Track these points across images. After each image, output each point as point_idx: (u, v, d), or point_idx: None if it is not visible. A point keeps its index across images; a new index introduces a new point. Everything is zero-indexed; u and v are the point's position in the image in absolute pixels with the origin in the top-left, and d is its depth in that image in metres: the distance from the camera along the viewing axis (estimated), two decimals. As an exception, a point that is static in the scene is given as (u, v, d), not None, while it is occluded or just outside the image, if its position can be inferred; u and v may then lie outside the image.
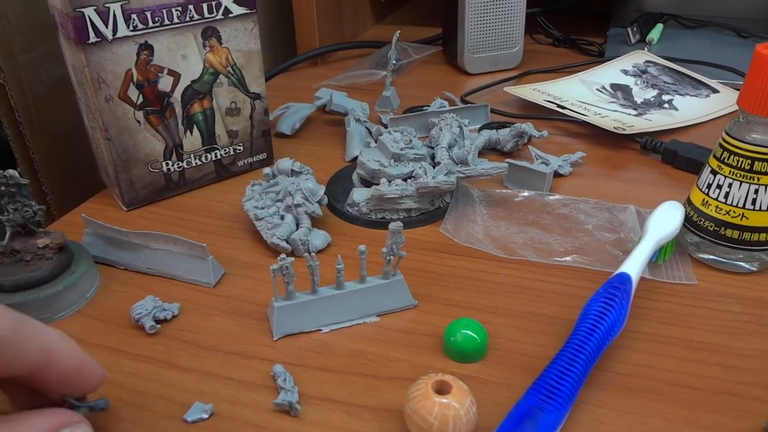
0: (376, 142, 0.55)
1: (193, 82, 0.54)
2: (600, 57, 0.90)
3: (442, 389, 0.32)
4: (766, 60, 0.41)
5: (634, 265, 0.41)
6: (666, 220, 0.46)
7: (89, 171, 0.66)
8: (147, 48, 0.51)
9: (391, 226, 0.40)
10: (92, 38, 0.48)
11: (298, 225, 0.49)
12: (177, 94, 0.54)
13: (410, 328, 0.41)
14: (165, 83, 0.53)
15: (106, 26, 0.48)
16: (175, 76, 0.53)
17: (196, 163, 0.57)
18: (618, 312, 0.38)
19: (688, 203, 0.48)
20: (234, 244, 0.51)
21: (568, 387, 0.33)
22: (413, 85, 0.83)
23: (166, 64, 0.52)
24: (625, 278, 0.40)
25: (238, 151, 0.60)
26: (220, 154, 0.59)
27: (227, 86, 0.56)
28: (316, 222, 0.51)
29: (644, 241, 0.43)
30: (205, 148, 0.57)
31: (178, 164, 0.56)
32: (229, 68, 0.56)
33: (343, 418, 0.35)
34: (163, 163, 0.56)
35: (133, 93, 0.52)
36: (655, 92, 0.77)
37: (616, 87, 0.78)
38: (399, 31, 0.72)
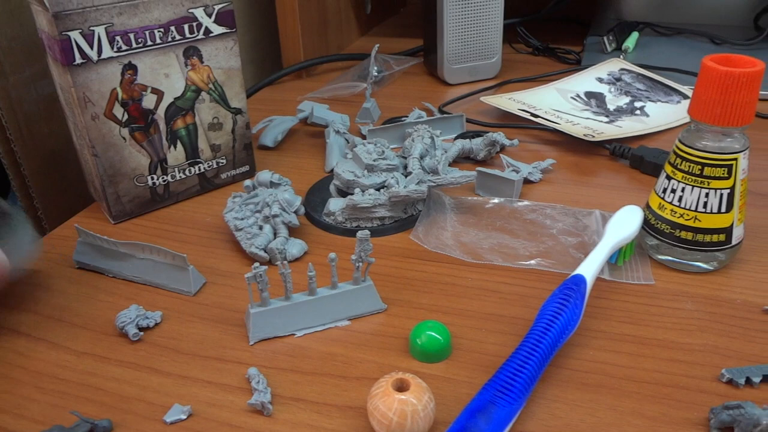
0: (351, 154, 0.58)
1: (176, 99, 0.57)
2: (577, 65, 0.92)
3: (401, 387, 0.35)
4: (712, 72, 0.43)
5: (589, 267, 0.43)
6: (624, 223, 0.48)
7: (79, 185, 0.69)
8: (131, 68, 0.53)
9: (359, 234, 0.42)
10: (78, 60, 0.50)
11: (275, 234, 0.52)
12: (161, 111, 0.56)
13: (378, 331, 0.44)
14: (149, 101, 0.55)
15: (92, 48, 0.51)
16: (159, 94, 0.56)
17: (180, 176, 0.60)
18: (572, 311, 0.40)
19: (647, 207, 0.50)
20: (215, 254, 0.53)
21: (522, 383, 0.36)
22: (394, 96, 0.85)
23: (150, 83, 0.55)
24: (579, 279, 0.42)
25: (221, 164, 0.62)
26: (204, 168, 0.61)
27: (209, 102, 0.59)
28: (293, 231, 0.54)
29: (601, 244, 0.46)
30: (188, 162, 0.60)
31: (163, 178, 0.59)
32: (211, 85, 0.58)
33: (313, 417, 0.37)
34: (149, 177, 0.58)
35: (118, 111, 0.54)
36: (627, 99, 0.79)
37: (590, 95, 0.81)
38: (378, 45, 0.74)
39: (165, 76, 0.55)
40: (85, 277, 0.51)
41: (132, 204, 0.58)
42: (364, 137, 0.68)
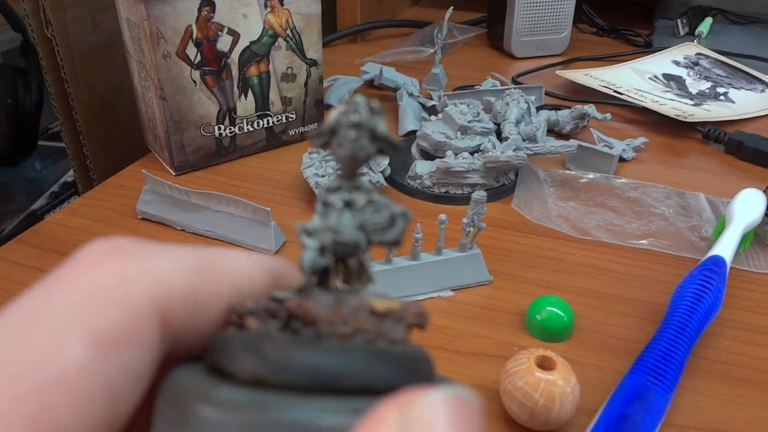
0: (438, 114, 0.53)
1: (251, 43, 0.52)
2: (647, 48, 0.87)
3: (544, 365, 0.30)
4: None
5: (726, 249, 0.39)
6: (749, 207, 0.44)
7: (129, 136, 0.64)
8: (209, 4, 0.48)
9: (474, 195, 0.38)
10: (154, -11, 0.46)
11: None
12: (235, 55, 0.52)
13: (487, 304, 0.39)
14: (224, 43, 0.51)
15: (169, -22, 0.46)
16: (235, 35, 0.51)
17: (248, 129, 0.55)
18: (715, 294, 0.36)
19: (770, 190, 0.46)
20: (290, 211, 0.49)
21: (674, 368, 0.31)
22: (458, 65, 0.80)
23: (227, 23, 0.50)
24: (720, 261, 0.38)
25: (290, 119, 0.58)
26: (273, 122, 0.57)
27: (285, 50, 0.54)
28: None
29: (732, 226, 0.41)
30: (258, 114, 0.55)
31: (230, 129, 0.54)
32: (289, 31, 0.54)
33: (428, 393, 0.33)
34: (216, 127, 0.53)
35: (192, 51, 0.49)
36: (708, 84, 0.75)
37: (668, 77, 0.76)
38: (452, 8, 0.69)
39: (243, 17, 0.51)
40: (149, 228, 0.46)
41: (196, 155, 0.53)
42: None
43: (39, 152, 0.87)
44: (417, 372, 0.12)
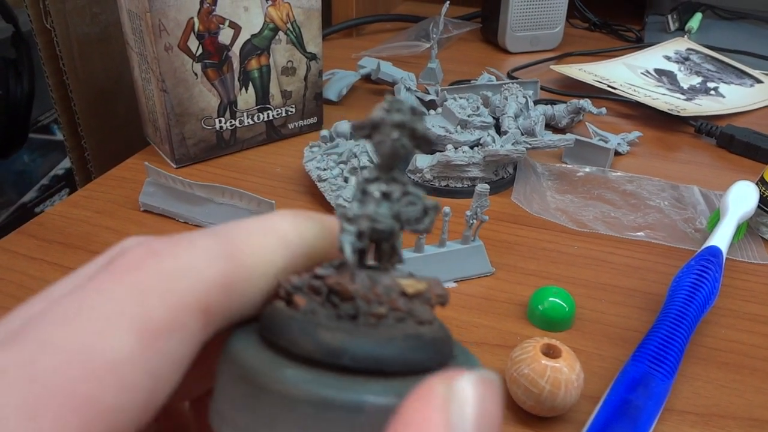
0: (437, 109, 0.54)
1: (252, 36, 0.52)
2: (638, 43, 0.89)
3: (549, 353, 0.31)
4: None
5: (722, 240, 0.40)
6: (743, 199, 0.45)
7: (127, 129, 0.64)
8: (211, -4, 0.49)
9: (478, 188, 0.38)
10: (157, -18, 0.46)
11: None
12: (236, 48, 0.52)
13: (489, 295, 0.40)
14: (225, 35, 0.51)
15: (171, -29, 0.46)
16: (236, 28, 0.51)
17: (248, 122, 0.55)
18: (712, 284, 0.37)
19: (762, 183, 0.47)
20: (292, 204, 0.49)
21: (674, 355, 0.32)
22: (453, 60, 0.81)
23: (228, 15, 0.50)
24: (716, 252, 0.39)
25: (290, 113, 0.58)
26: (273, 115, 0.57)
27: (285, 44, 0.54)
28: (379, 186, 0.50)
29: (728, 218, 0.42)
30: (258, 107, 0.55)
31: (230, 122, 0.54)
32: (289, 25, 0.54)
33: (435, 381, 0.34)
34: (217, 120, 0.54)
35: (193, 43, 0.49)
36: (699, 79, 0.76)
37: (660, 72, 0.77)
38: (448, 3, 0.70)
39: (244, 10, 0.51)
40: (151, 221, 0.47)
41: (197, 148, 0.54)
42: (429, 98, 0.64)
43: (27, 145, 0.87)
44: (443, 353, 0.14)
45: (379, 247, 0.15)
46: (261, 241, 0.15)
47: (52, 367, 0.11)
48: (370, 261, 0.15)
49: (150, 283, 0.13)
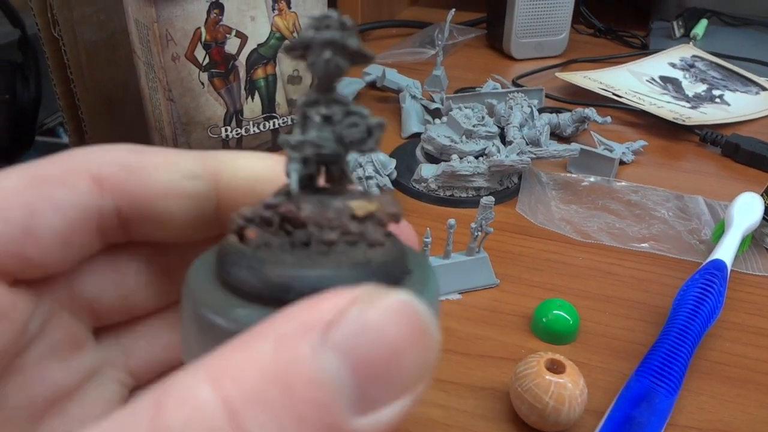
0: (442, 117, 0.54)
1: (259, 45, 0.52)
2: (643, 50, 0.88)
3: (553, 368, 0.31)
4: None
5: (727, 253, 0.40)
6: (748, 211, 0.45)
7: (135, 135, 0.64)
8: (218, 7, 0.49)
9: (483, 200, 0.38)
10: (164, -7, 0.46)
11: (367, 198, 0.48)
12: (242, 58, 0.52)
13: (494, 307, 0.40)
14: (232, 45, 0.51)
15: (178, -19, 0.46)
16: (243, 38, 0.51)
17: (254, 130, 0.56)
18: (716, 298, 0.37)
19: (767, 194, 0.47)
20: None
21: (678, 370, 0.32)
22: (458, 66, 0.81)
23: (235, 25, 0.50)
24: (721, 265, 0.39)
25: (295, 122, 0.58)
26: (278, 123, 0.57)
27: (291, 53, 0.55)
28: (384, 196, 0.50)
29: (732, 230, 0.42)
30: (264, 115, 0.56)
31: (236, 131, 0.55)
32: (295, 34, 0.54)
33: (441, 396, 0.34)
34: (223, 129, 0.54)
35: (200, 53, 0.50)
36: (704, 87, 0.76)
37: (665, 79, 0.77)
38: (453, 10, 0.70)
39: (251, 19, 0.51)
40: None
41: (203, 156, 0.54)
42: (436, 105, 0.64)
43: (35, 147, 0.87)
44: (393, 275, 0.13)
45: (328, 169, 0.15)
46: (173, 157, 0.16)
47: None
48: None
49: (55, 158, 0.15)
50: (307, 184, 0.14)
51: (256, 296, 0.13)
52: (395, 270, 0.14)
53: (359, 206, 0.13)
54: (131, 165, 0.15)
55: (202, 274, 0.14)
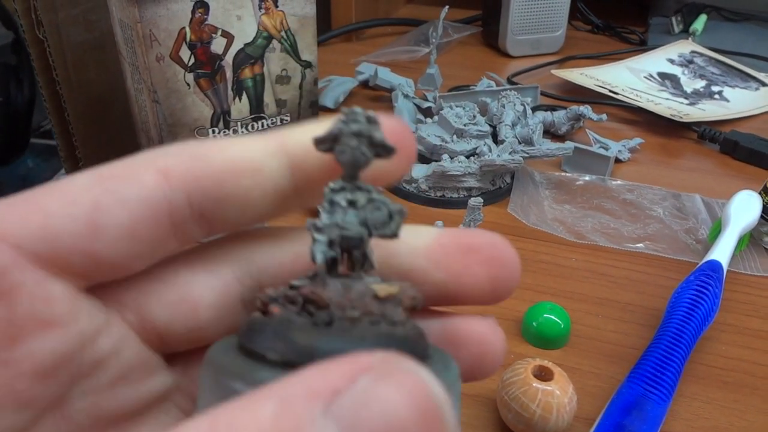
0: (434, 117, 0.53)
1: (246, 45, 0.51)
2: (641, 46, 0.87)
3: (541, 375, 0.30)
4: None
5: (723, 253, 0.39)
6: (745, 209, 0.44)
7: (123, 139, 0.63)
8: (202, 6, 0.48)
9: (471, 201, 0.37)
10: (147, -8, 0.45)
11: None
12: (229, 58, 0.51)
13: (484, 311, 0.39)
14: (218, 45, 0.50)
15: (161, -20, 0.45)
16: (229, 37, 0.50)
17: (242, 132, 0.55)
18: (711, 300, 0.36)
19: (766, 192, 0.46)
20: (288, 217, 0.48)
21: (671, 377, 0.31)
22: (453, 64, 0.80)
23: (221, 25, 0.50)
24: (716, 266, 0.38)
25: (284, 122, 0.57)
26: (267, 124, 0.56)
27: (279, 52, 0.54)
28: (373, 197, 0.49)
29: (729, 230, 0.41)
30: (252, 116, 0.55)
31: (224, 132, 0.54)
32: (283, 33, 0.53)
33: (426, 402, 0.33)
34: (210, 130, 0.53)
35: (185, 54, 0.49)
36: (703, 83, 0.75)
37: (663, 76, 0.76)
38: (447, 7, 0.69)
39: (237, 18, 0.50)
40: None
41: (190, 158, 0.53)
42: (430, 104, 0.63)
43: (31, 149, 0.87)
44: (415, 352, 0.13)
45: (351, 255, 0.15)
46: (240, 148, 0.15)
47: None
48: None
49: (126, 158, 0.15)
50: (332, 267, 0.15)
51: (280, 362, 0.13)
52: (417, 349, 0.14)
53: (382, 288, 0.14)
54: (195, 153, 0.15)
55: (224, 349, 0.14)
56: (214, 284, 0.16)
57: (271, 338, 0.13)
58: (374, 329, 0.13)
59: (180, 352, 0.17)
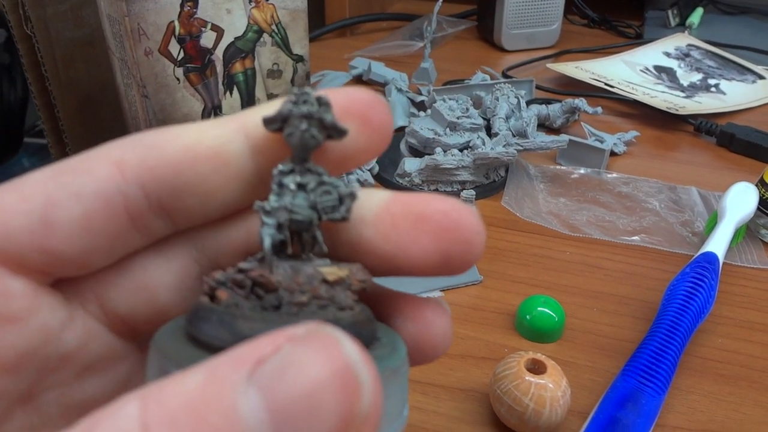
0: (427, 110, 0.53)
1: (236, 39, 0.51)
2: (638, 39, 0.87)
3: (534, 368, 0.30)
4: None
5: (719, 245, 0.38)
6: (741, 201, 0.43)
7: (114, 133, 0.63)
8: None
9: (463, 194, 0.37)
10: (134, -15, 0.44)
11: (348, 194, 0.47)
12: (219, 52, 0.51)
13: (477, 305, 0.39)
14: (208, 39, 0.49)
15: (149, -27, 0.45)
16: (219, 31, 0.50)
17: (234, 126, 0.54)
18: (707, 293, 0.35)
19: (762, 184, 0.45)
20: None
21: (666, 369, 0.31)
22: (448, 59, 0.80)
23: (210, 18, 0.49)
24: (712, 258, 0.37)
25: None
26: (259, 119, 0.56)
27: (270, 46, 0.53)
28: (366, 191, 0.48)
29: (725, 222, 0.41)
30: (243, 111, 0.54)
31: (215, 127, 0.53)
32: (274, 27, 0.53)
33: (418, 398, 0.32)
34: (201, 125, 0.52)
35: (174, 48, 0.48)
36: (700, 76, 0.74)
37: (659, 69, 0.76)
38: (441, 1, 0.68)
39: (227, 12, 0.50)
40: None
41: (181, 154, 0.52)
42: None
43: (26, 149, 0.86)
44: (362, 336, 0.13)
45: (300, 237, 0.15)
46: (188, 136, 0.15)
47: None
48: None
49: (84, 152, 0.15)
50: (280, 250, 0.15)
51: (223, 347, 0.13)
52: (364, 332, 0.14)
53: (330, 272, 0.14)
54: (150, 142, 0.14)
55: (170, 334, 0.14)
56: (172, 267, 0.16)
57: (216, 326, 0.13)
58: (321, 314, 0.13)
59: (149, 334, 0.16)
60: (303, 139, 0.14)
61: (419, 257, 0.14)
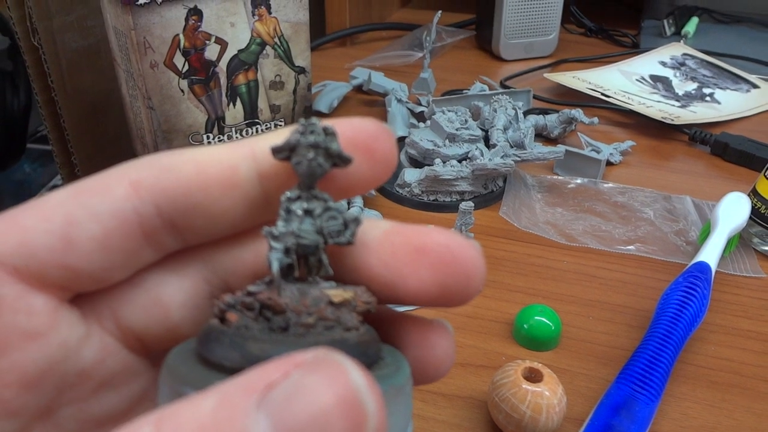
0: (426, 121, 0.54)
1: (239, 51, 0.52)
2: (634, 48, 0.88)
3: (531, 377, 0.31)
4: None
5: (711, 255, 0.39)
6: (734, 211, 0.44)
7: (118, 145, 0.64)
8: (196, 13, 0.48)
9: (462, 205, 0.38)
10: (141, 0, 0.46)
11: (349, 205, 0.47)
12: (223, 64, 0.52)
13: (475, 314, 0.40)
14: (212, 51, 0.51)
15: (155, -12, 0.46)
16: (222, 44, 0.51)
17: (236, 137, 0.55)
18: (700, 301, 0.36)
19: (754, 194, 0.46)
20: (280, 221, 0.49)
21: (660, 377, 0.32)
22: (447, 68, 0.81)
23: (214, 32, 0.50)
24: (704, 267, 0.38)
25: (279, 127, 0.58)
26: (262, 130, 0.57)
27: (273, 58, 0.54)
28: (367, 202, 0.49)
29: (717, 231, 0.42)
30: (246, 122, 0.55)
31: (219, 137, 0.54)
32: (276, 39, 0.54)
33: (417, 405, 0.33)
34: (204, 136, 0.53)
35: (179, 60, 0.49)
36: (695, 85, 0.75)
37: (655, 78, 0.77)
38: (440, 12, 0.70)
39: (230, 25, 0.51)
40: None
41: (185, 164, 0.53)
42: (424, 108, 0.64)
43: (28, 155, 0.87)
44: (368, 356, 0.14)
45: (307, 261, 0.16)
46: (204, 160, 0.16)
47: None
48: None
49: (103, 171, 0.15)
50: (288, 273, 0.15)
51: (237, 371, 0.13)
52: (369, 352, 0.14)
53: (336, 294, 0.14)
54: (165, 164, 0.15)
55: (182, 356, 0.14)
56: (183, 285, 0.16)
57: (227, 348, 0.13)
58: (328, 335, 0.14)
59: (162, 351, 0.17)
60: (310, 168, 0.15)
61: (417, 288, 0.15)
